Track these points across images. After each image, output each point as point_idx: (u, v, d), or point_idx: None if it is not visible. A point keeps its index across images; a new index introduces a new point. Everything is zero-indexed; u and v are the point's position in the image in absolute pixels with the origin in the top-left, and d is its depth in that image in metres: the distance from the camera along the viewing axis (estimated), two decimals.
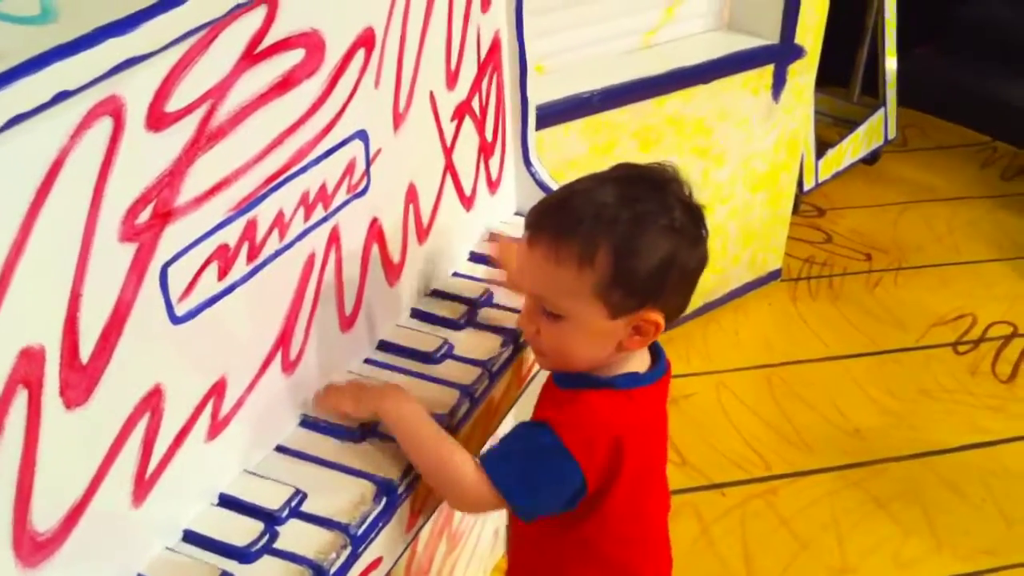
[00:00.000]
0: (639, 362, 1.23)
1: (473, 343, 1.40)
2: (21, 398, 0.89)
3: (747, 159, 2.62)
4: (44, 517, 0.94)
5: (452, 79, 1.45)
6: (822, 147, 3.21)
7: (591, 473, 1.16)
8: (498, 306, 1.48)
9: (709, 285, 2.72)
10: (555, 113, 2.11)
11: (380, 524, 1.16)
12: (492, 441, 1.30)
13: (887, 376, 2.62)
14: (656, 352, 1.26)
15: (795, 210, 2.95)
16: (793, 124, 2.68)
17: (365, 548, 1.14)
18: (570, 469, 1.14)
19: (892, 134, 3.50)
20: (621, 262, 1.11)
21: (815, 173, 3.15)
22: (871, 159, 3.48)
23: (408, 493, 1.20)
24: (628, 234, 1.12)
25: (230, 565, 1.08)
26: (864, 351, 2.71)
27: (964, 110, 3.76)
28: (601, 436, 1.16)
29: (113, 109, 0.91)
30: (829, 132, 3.39)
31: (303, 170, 1.18)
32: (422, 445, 1.18)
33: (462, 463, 1.17)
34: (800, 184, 2.98)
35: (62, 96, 0.83)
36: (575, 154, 2.20)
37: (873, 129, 3.43)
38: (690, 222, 1.16)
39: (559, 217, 1.15)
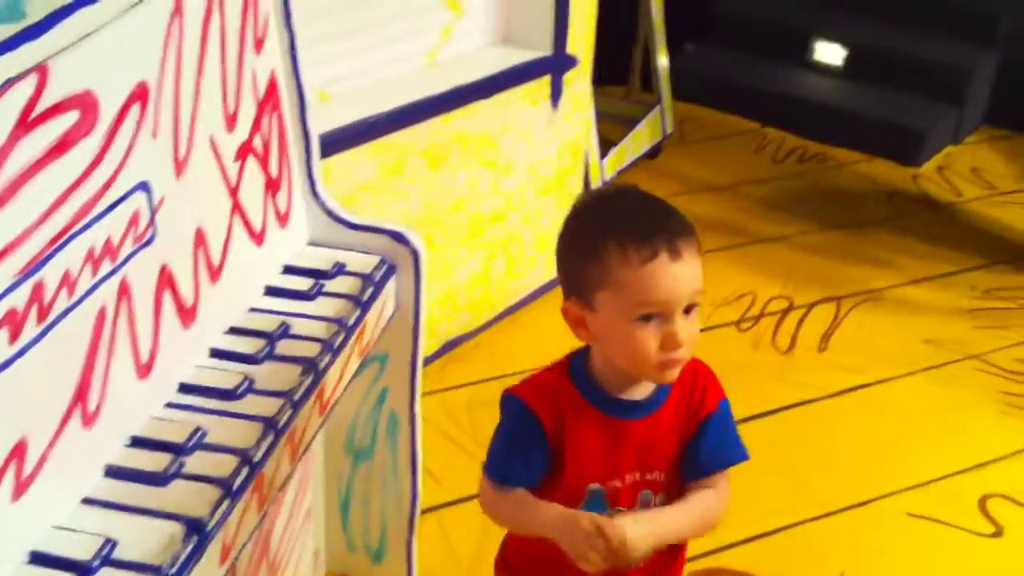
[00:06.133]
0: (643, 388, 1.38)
1: (274, 376, 1.46)
2: None
3: (533, 167, 2.74)
4: None
5: (231, 121, 1.50)
6: (607, 146, 3.37)
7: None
8: (296, 336, 1.54)
9: (508, 290, 2.83)
10: (343, 139, 2.16)
11: (192, 562, 1.20)
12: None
13: None
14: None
15: None
16: (574, 130, 2.82)
17: None
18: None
19: (670, 129, 3.71)
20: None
21: (600, 172, 3.31)
22: (653, 154, 3.67)
23: (218, 528, 1.25)
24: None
25: None
26: None
27: (733, 100, 4.01)
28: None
29: None
30: (613, 131, 3.55)
31: (87, 227, 1.21)
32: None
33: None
34: (587, 184, 3.13)
35: None
36: (365, 178, 2.27)
37: (652, 126, 3.62)
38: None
39: (673, 220, 1.29)
